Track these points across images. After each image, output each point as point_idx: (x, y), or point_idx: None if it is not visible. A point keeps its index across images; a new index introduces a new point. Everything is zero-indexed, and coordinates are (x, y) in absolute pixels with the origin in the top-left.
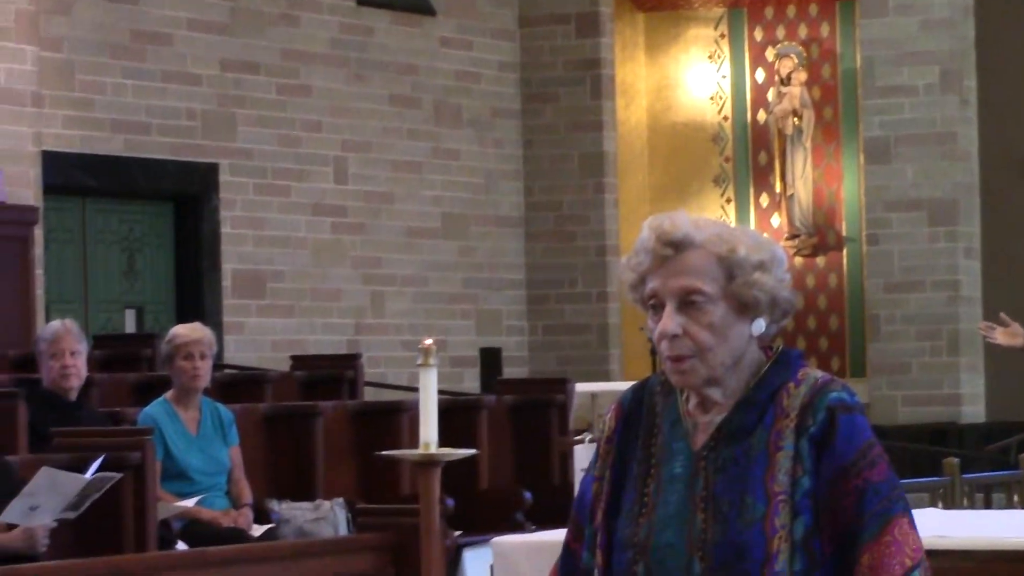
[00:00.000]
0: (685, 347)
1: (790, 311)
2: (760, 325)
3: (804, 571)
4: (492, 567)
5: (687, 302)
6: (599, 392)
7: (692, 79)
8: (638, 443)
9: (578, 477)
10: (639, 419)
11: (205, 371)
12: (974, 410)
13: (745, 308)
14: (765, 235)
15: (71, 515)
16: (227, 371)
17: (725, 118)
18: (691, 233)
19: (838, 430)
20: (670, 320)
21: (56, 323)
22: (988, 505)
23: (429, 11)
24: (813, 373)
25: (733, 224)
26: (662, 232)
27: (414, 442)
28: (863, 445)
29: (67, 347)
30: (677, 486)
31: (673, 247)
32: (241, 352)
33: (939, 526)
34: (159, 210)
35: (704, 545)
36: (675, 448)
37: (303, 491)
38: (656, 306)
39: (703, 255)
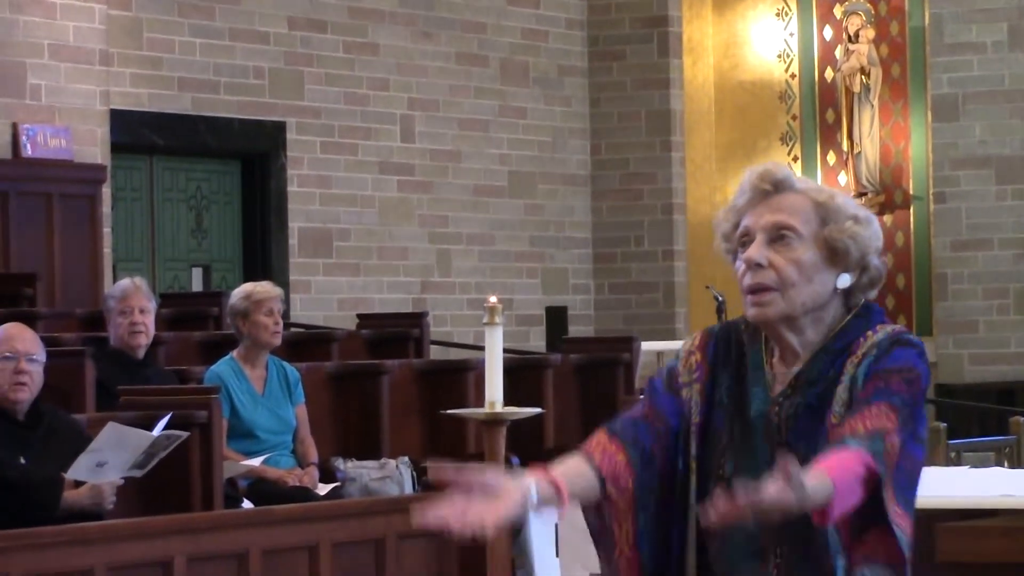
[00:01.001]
0: (768, 278)
1: (877, 281)
2: (845, 279)
3: None
4: (556, 525)
5: (777, 237)
6: (665, 351)
7: (759, 37)
8: (730, 377)
9: None
10: (729, 353)
11: (281, 327)
12: None
13: (835, 257)
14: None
15: (138, 473)
16: (294, 330)
17: (792, 76)
18: (792, 177)
19: (891, 353)
20: (757, 249)
21: (126, 281)
22: None
23: None
24: (891, 326)
25: None
26: (765, 171)
27: (480, 401)
28: (905, 365)
29: (136, 304)
30: (757, 430)
31: (773, 185)
32: (308, 311)
33: (1005, 485)
34: (226, 168)
35: None
36: (754, 393)
37: (369, 450)
38: (746, 244)
39: (801, 198)
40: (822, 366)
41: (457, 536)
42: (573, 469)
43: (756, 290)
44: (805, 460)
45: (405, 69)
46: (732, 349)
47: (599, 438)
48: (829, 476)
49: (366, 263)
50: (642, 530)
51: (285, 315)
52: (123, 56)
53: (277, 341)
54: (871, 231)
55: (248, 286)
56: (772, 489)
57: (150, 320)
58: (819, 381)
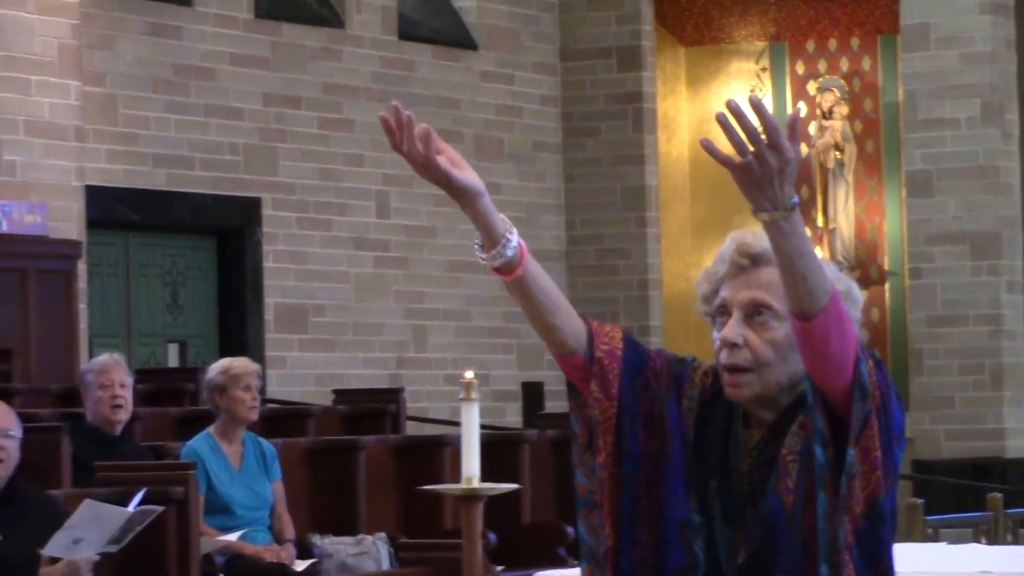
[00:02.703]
0: (743, 358)
1: None
2: None
3: (829, 507)
4: None
5: (753, 315)
6: None
7: None
8: (711, 426)
9: None
10: (717, 402)
11: (258, 403)
12: (1018, 444)
13: None
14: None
15: (114, 548)
16: (270, 405)
17: None
18: (770, 250)
19: None
20: (732, 329)
21: (104, 356)
22: None
23: (470, 45)
24: None
25: None
26: (742, 243)
27: (456, 476)
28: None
29: (116, 379)
30: (733, 485)
31: (750, 259)
32: (284, 386)
33: (983, 561)
34: (202, 244)
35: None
36: (731, 444)
37: (345, 526)
38: (724, 314)
39: (778, 273)
40: (787, 421)
41: (396, 140)
42: (548, 279)
43: (732, 370)
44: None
45: (380, 145)
46: (722, 400)
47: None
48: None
49: (342, 339)
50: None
51: (261, 391)
52: (98, 132)
53: (254, 416)
54: (852, 309)
55: (225, 361)
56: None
57: (129, 395)
58: (782, 433)
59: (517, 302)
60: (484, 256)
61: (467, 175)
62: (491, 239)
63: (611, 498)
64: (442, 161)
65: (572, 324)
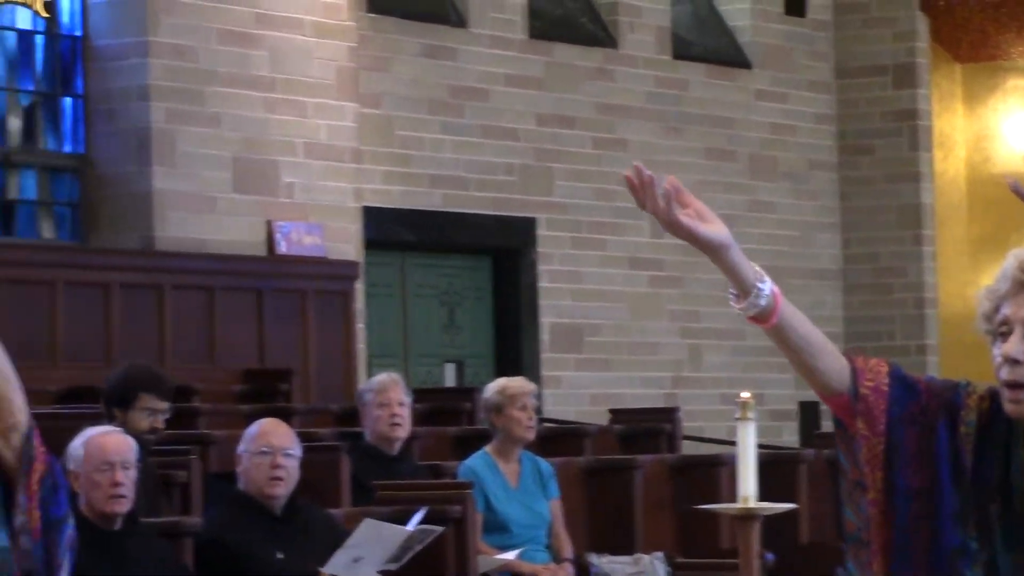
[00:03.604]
0: None
1: None
2: None
3: None
4: None
5: None
6: None
7: (1011, 130)
8: (990, 449)
9: None
10: (996, 424)
11: (535, 423)
12: None
13: None
14: None
15: (393, 567)
16: (546, 425)
17: None
18: None
19: None
20: (1015, 345)
21: (383, 375)
22: None
23: (744, 64)
24: None
25: None
26: None
27: (733, 496)
28: None
29: (395, 398)
30: (1015, 508)
31: None
32: (559, 406)
33: None
34: (477, 264)
35: None
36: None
37: (622, 545)
38: (1005, 334)
39: None
40: None
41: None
42: (807, 322)
43: (1013, 386)
44: None
45: (653, 164)
46: (1001, 420)
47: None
48: None
49: (617, 358)
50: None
51: (537, 410)
52: (374, 154)
53: (531, 436)
54: None
55: (502, 381)
56: None
57: (407, 414)
58: None
59: (777, 347)
60: (738, 306)
61: (712, 229)
62: (743, 289)
63: (880, 534)
64: (688, 216)
65: (834, 365)
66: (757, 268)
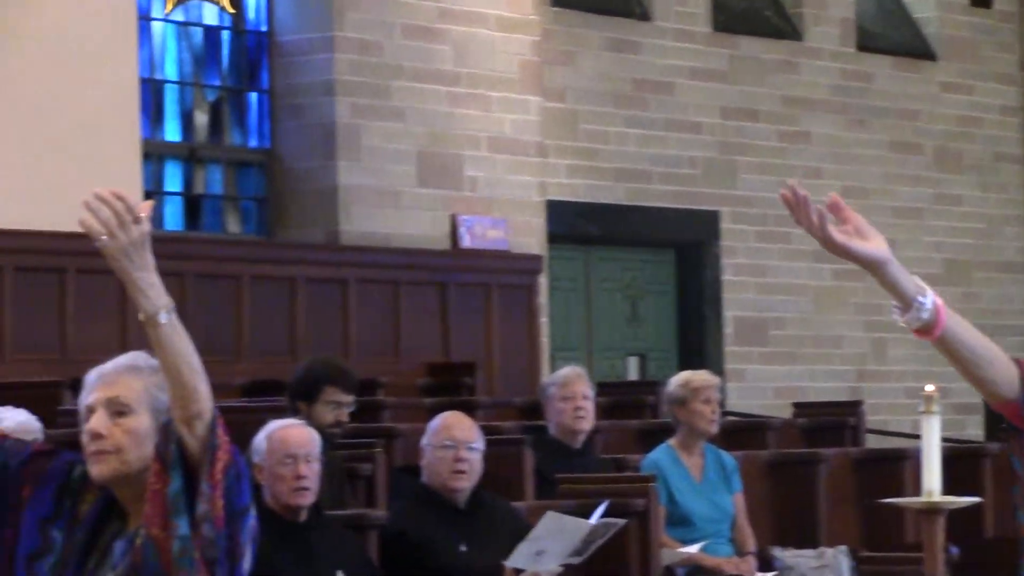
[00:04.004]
0: None
1: None
2: None
3: None
4: None
5: None
6: None
7: None
8: None
9: None
10: None
11: (718, 416)
12: None
13: None
14: None
15: (576, 560)
16: (729, 418)
17: None
18: None
19: None
20: None
21: (567, 368)
22: None
23: (930, 56)
24: None
25: None
26: None
27: (917, 490)
28: None
29: (579, 391)
30: None
31: None
32: (743, 399)
33: None
34: (661, 258)
35: None
36: None
37: (806, 538)
38: None
39: None
40: None
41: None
42: (974, 333)
43: None
44: None
45: (838, 157)
46: None
47: None
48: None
49: (801, 352)
50: None
51: (721, 403)
52: (559, 148)
53: (714, 429)
54: None
55: (686, 374)
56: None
57: (591, 407)
58: None
59: (944, 357)
60: (901, 319)
61: (868, 247)
62: (905, 303)
63: None
64: (845, 232)
65: (1003, 374)
66: (918, 282)
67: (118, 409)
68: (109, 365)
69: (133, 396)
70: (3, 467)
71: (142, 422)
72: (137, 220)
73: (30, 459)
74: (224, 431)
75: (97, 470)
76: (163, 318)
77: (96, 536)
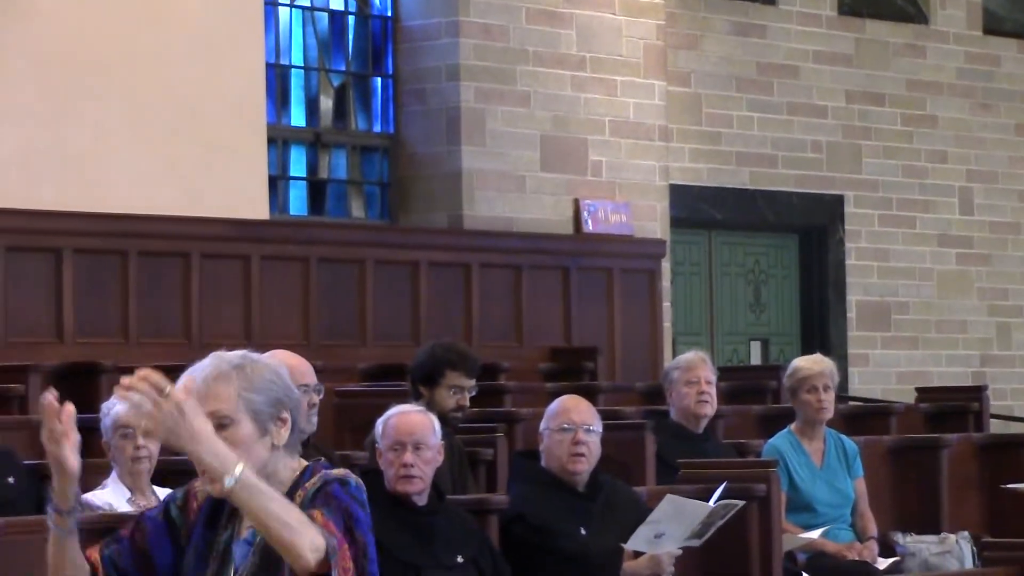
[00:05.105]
0: None
1: None
2: None
3: None
4: None
5: None
6: None
7: None
8: None
9: None
10: None
11: (829, 403)
12: None
13: None
14: None
15: (696, 543)
16: (851, 403)
17: None
18: None
19: None
20: None
21: (690, 353)
22: None
23: None
24: None
25: None
26: None
27: None
28: None
29: (702, 375)
30: None
31: None
32: (866, 384)
33: None
34: (784, 242)
35: None
36: None
37: (928, 524)
38: None
39: None
40: None
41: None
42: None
43: None
44: None
45: (964, 140)
46: None
47: None
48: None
49: (925, 336)
50: None
51: (843, 388)
52: (682, 132)
53: (824, 417)
54: None
55: (796, 362)
56: None
57: (713, 392)
58: None
59: None
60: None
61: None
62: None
63: None
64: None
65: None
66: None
67: (219, 423)
68: (197, 376)
69: (229, 406)
70: (125, 573)
71: (244, 429)
72: (163, 394)
73: (131, 542)
74: (348, 555)
75: (215, 488)
76: (228, 482)
77: (209, 544)
